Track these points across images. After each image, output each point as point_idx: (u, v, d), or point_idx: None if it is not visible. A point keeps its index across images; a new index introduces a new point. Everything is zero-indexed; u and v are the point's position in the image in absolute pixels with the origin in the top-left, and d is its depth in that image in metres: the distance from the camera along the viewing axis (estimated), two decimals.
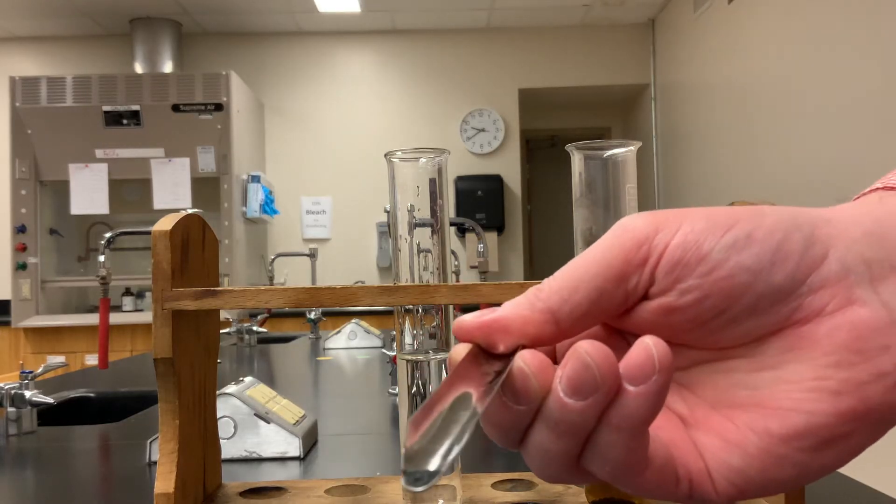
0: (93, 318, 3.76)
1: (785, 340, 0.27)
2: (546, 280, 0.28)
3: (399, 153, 0.50)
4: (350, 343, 2.18)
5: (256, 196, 4.10)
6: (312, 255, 2.99)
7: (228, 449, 0.82)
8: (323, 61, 4.74)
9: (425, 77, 4.75)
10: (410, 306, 0.50)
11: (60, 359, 2.36)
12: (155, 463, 0.78)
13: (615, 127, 5.56)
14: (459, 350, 0.27)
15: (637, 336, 0.26)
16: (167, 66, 4.34)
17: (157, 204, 3.90)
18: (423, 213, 0.50)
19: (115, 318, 3.59)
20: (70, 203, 3.93)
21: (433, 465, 0.21)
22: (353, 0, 4.23)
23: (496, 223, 4.59)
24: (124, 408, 1.40)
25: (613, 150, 0.49)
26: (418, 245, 0.50)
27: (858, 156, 2.47)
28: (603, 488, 0.50)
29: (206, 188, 3.97)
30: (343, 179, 4.66)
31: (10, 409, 1.02)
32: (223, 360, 1.93)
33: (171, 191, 3.92)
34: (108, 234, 1.79)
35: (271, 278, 2.79)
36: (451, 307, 0.51)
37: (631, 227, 0.27)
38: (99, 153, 3.92)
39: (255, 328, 2.41)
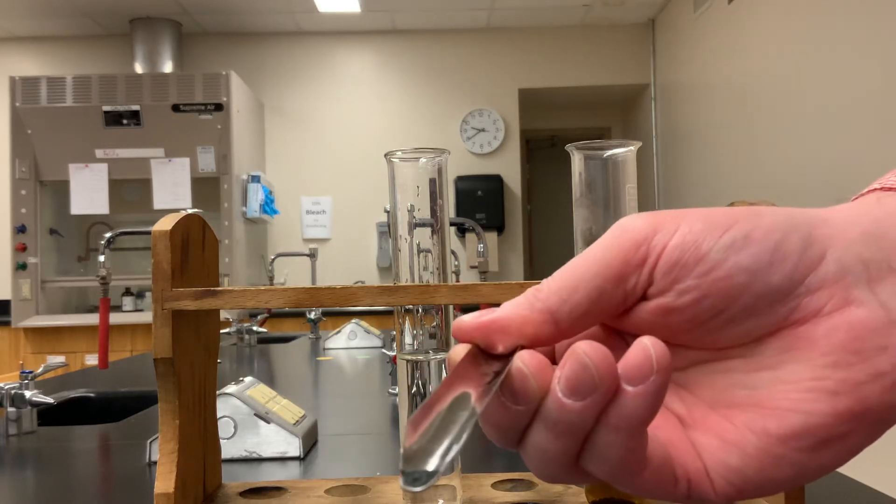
0: (93, 318, 3.76)
1: (783, 341, 0.27)
2: (545, 280, 0.28)
3: (399, 153, 0.50)
4: (350, 343, 2.18)
5: (256, 196, 4.10)
6: (312, 255, 2.99)
7: (228, 449, 0.82)
8: (323, 61, 4.74)
9: (425, 77, 4.75)
10: (410, 306, 0.50)
11: (60, 359, 2.36)
12: (155, 463, 0.78)
13: (615, 127, 5.57)
14: (458, 350, 0.27)
15: (636, 336, 0.26)
16: (167, 66, 4.34)
17: (157, 204, 3.90)
18: (423, 213, 0.50)
19: (115, 318, 3.59)
20: (70, 203, 3.93)
21: (432, 465, 0.21)
22: (353, 0, 4.23)
23: (496, 223, 4.59)
24: (124, 408, 1.40)
25: (613, 150, 0.49)
26: (418, 245, 0.50)
27: (858, 156, 2.47)
28: (603, 488, 0.50)
29: (206, 188, 3.97)
30: (343, 179, 4.66)
31: (10, 409, 1.02)
32: (223, 360, 1.93)
33: (171, 191, 3.92)
34: (108, 234, 1.79)
35: (271, 278, 2.79)
36: (451, 307, 0.51)
37: (629, 228, 0.28)
38: (99, 153, 3.92)
39: (255, 328, 2.41)
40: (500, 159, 4.75)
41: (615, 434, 0.25)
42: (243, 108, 4.15)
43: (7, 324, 3.91)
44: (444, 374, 0.51)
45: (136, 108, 3.91)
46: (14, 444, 0.98)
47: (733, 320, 0.27)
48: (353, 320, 2.28)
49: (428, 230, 0.50)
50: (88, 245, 4.35)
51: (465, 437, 0.22)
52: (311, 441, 0.89)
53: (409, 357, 0.51)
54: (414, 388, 0.51)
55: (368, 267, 4.65)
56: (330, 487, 0.58)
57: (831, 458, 0.26)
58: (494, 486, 0.57)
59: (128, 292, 4.15)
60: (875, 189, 0.30)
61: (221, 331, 1.39)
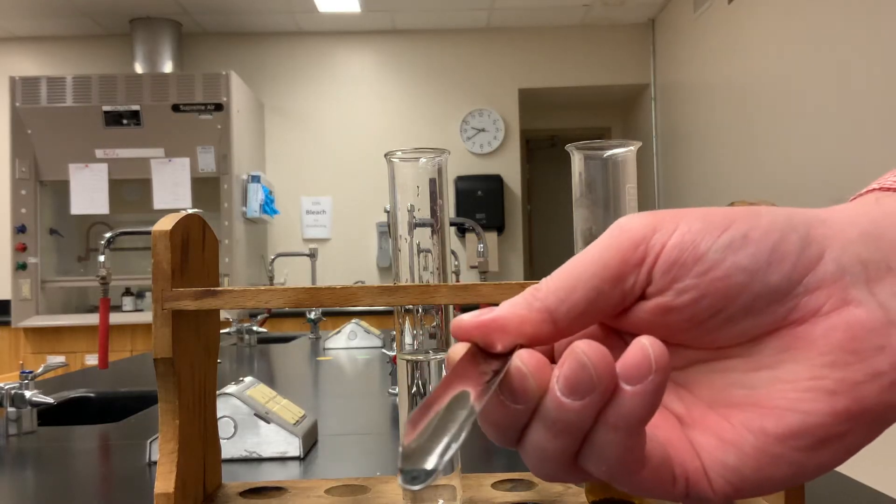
0: (93, 318, 3.76)
1: (781, 340, 0.27)
2: (543, 280, 0.28)
3: (399, 153, 0.50)
4: (350, 343, 2.18)
5: (256, 196, 4.10)
6: (312, 255, 2.99)
7: (228, 449, 0.82)
8: (323, 61, 4.74)
9: (425, 77, 4.75)
10: (410, 306, 0.50)
11: (60, 359, 2.37)
12: (155, 463, 0.78)
13: (615, 127, 5.57)
14: (457, 349, 0.27)
15: (634, 335, 0.26)
16: (167, 66, 4.34)
17: (157, 204, 3.90)
18: (423, 213, 0.50)
19: (115, 318, 3.59)
20: (70, 203, 3.93)
21: (430, 463, 0.21)
22: (353, 0, 4.23)
23: (496, 223, 4.59)
24: (124, 408, 1.40)
25: (613, 150, 0.49)
26: (418, 245, 0.50)
27: (858, 156, 2.47)
28: (603, 488, 0.50)
29: (206, 188, 3.97)
30: (343, 179, 4.66)
31: (10, 409, 1.02)
32: (223, 360, 1.93)
33: (171, 191, 3.92)
34: (108, 234, 1.79)
35: (271, 278, 2.79)
36: (451, 307, 0.51)
37: (628, 228, 0.28)
38: (99, 153, 3.92)
39: (255, 328, 2.41)
40: (500, 159, 4.75)
41: (613, 433, 0.25)
42: (243, 108, 4.15)
43: (7, 324, 3.91)
44: (443, 374, 0.51)
45: (136, 108, 3.91)
46: (14, 444, 0.98)
47: (731, 320, 0.27)
48: (353, 320, 2.28)
49: (428, 230, 0.50)
50: (88, 245, 4.35)
51: (463, 435, 0.22)
52: (311, 441, 0.89)
53: (409, 357, 0.51)
54: (414, 388, 0.51)
55: (368, 267, 4.65)
56: (330, 487, 0.58)
57: (829, 458, 0.26)
58: (494, 486, 0.57)
59: (128, 292, 4.15)
60: (873, 189, 0.30)
61: (221, 331, 1.39)
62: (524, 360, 0.25)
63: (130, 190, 4.18)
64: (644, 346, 0.24)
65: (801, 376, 0.26)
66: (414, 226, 0.50)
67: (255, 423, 0.83)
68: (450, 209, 0.80)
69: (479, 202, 4.57)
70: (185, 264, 0.51)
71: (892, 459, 1.36)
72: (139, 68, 4.30)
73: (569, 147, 0.50)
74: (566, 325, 0.27)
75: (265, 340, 2.61)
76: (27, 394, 1.03)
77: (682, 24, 4.21)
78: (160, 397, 0.50)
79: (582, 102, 5.34)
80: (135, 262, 4.16)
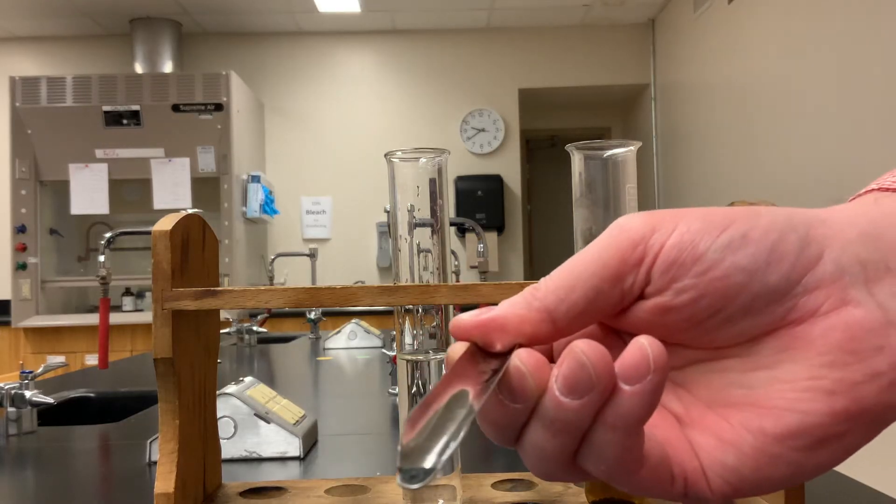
0: (93, 318, 3.76)
1: (780, 340, 0.27)
2: (543, 279, 0.28)
3: (399, 153, 0.50)
4: (350, 343, 2.18)
5: (256, 196, 4.11)
6: (312, 255, 2.99)
7: (228, 449, 0.82)
8: (323, 61, 4.74)
9: (425, 77, 4.75)
10: (410, 306, 0.50)
11: (60, 359, 2.37)
12: (155, 463, 0.78)
13: (615, 127, 5.57)
14: (457, 349, 0.27)
15: (633, 335, 0.26)
16: (167, 66, 4.34)
17: (157, 204, 3.90)
18: (423, 213, 0.50)
19: (115, 318, 3.59)
20: (70, 203, 3.93)
21: (429, 462, 0.21)
22: (353, 0, 4.23)
23: (496, 223, 4.59)
24: (124, 408, 1.40)
25: (613, 150, 0.49)
26: (418, 245, 0.50)
27: (858, 156, 2.47)
28: (603, 488, 0.50)
29: (206, 188, 3.97)
30: (343, 179, 4.66)
31: (10, 409, 1.02)
32: (223, 360, 1.93)
33: (171, 191, 3.92)
34: (108, 234, 1.79)
35: (271, 278, 2.79)
36: (450, 307, 0.51)
37: (627, 227, 0.28)
38: (99, 153, 3.92)
39: (255, 328, 2.41)
40: (500, 159, 4.75)
41: (612, 433, 0.25)
42: (243, 108, 4.15)
43: (7, 324, 3.91)
44: (443, 374, 0.51)
45: (136, 108, 3.91)
46: (14, 444, 0.98)
47: (730, 320, 0.27)
48: (353, 320, 2.28)
49: (428, 230, 0.50)
50: (88, 245, 4.35)
51: (462, 434, 0.22)
52: (311, 441, 0.89)
53: (409, 357, 0.51)
54: (414, 388, 0.51)
55: (368, 267, 4.65)
56: (330, 487, 0.58)
57: (828, 458, 0.26)
58: (494, 486, 0.57)
59: (128, 292, 4.15)
60: (872, 190, 0.30)
61: (221, 331, 1.39)
62: (523, 360, 0.25)
63: (130, 190, 4.18)
64: (642, 346, 0.25)
65: (800, 376, 0.26)
66: (414, 226, 0.50)
67: (255, 423, 0.83)
68: (450, 209, 0.80)
69: (479, 202, 4.57)
70: (185, 264, 0.51)
71: (891, 459, 1.36)
72: (139, 68, 4.30)
73: (569, 147, 0.50)
74: (565, 324, 0.27)
75: (265, 340, 2.61)
76: (27, 394, 1.03)
77: (682, 24, 4.21)
78: (160, 397, 0.50)
79: (582, 102, 5.34)
80: (135, 262, 4.16)
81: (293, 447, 0.84)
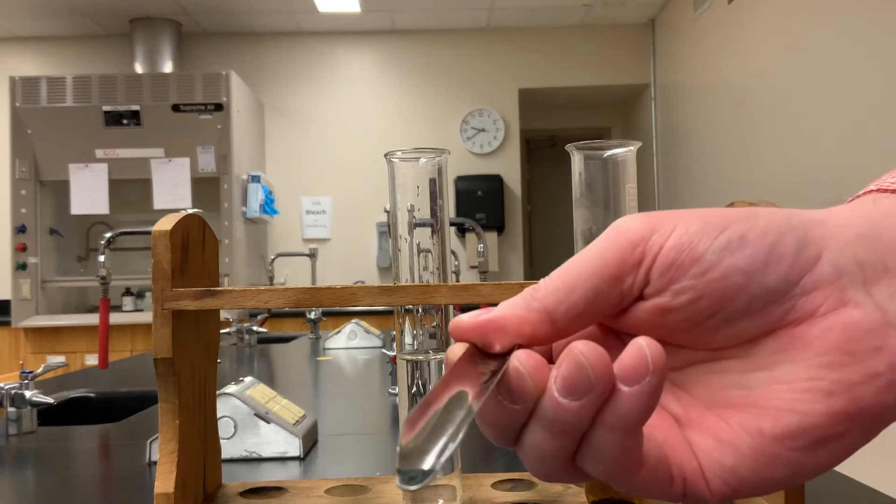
0: (93, 318, 3.76)
1: (778, 341, 0.27)
2: (542, 280, 0.28)
3: (399, 153, 0.50)
4: (350, 343, 2.18)
5: (256, 196, 4.11)
6: (312, 255, 2.99)
7: (228, 449, 0.82)
8: (323, 61, 4.74)
9: (425, 77, 4.75)
10: (410, 306, 0.50)
11: (60, 359, 2.37)
12: (155, 463, 0.78)
13: (615, 127, 5.57)
14: (456, 350, 0.27)
15: (632, 336, 0.26)
16: (167, 66, 4.34)
17: (157, 204, 3.90)
18: (423, 213, 0.50)
19: (115, 318, 3.59)
20: (70, 203, 3.93)
21: (427, 463, 0.21)
22: (353, 0, 4.23)
23: (496, 223, 4.59)
24: (124, 408, 1.40)
25: (613, 150, 0.49)
26: (418, 245, 0.50)
27: (858, 156, 2.48)
28: (602, 488, 0.50)
29: (206, 188, 3.97)
30: (343, 179, 4.66)
31: (10, 409, 1.02)
32: (223, 360, 1.93)
33: (171, 191, 3.92)
34: (108, 234, 1.79)
35: (271, 278, 2.79)
36: (450, 307, 0.51)
37: (626, 229, 0.28)
38: (99, 153, 3.92)
39: (255, 328, 2.41)
40: (500, 159, 4.75)
41: (611, 434, 0.25)
42: (243, 108, 4.15)
43: (7, 324, 3.91)
44: (443, 374, 0.51)
45: (136, 108, 3.91)
46: (14, 444, 0.98)
47: (729, 321, 0.27)
48: (353, 320, 2.28)
49: (428, 230, 0.50)
50: (88, 245, 4.35)
51: (461, 435, 0.22)
52: (311, 441, 0.89)
53: (409, 357, 0.51)
54: (414, 388, 0.51)
55: (368, 267, 4.65)
56: (330, 487, 0.58)
57: (827, 458, 0.26)
58: (494, 486, 0.57)
59: (128, 292, 4.15)
60: (871, 191, 0.30)
61: (221, 331, 1.39)
62: (522, 361, 0.25)
63: (130, 190, 4.18)
64: (641, 348, 0.25)
65: (798, 377, 0.26)
66: (414, 226, 0.50)
67: (255, 423, 0.83)
68: (450, 209, 0.80)
69: (479, 202, 4.57)
70: (185, 264, 0.51)
71: (891, 459, 1.36)
72: (139, 68, 4.30)
73: (569, 147, 0.50)
74: (564, 325, 0.27)
75: (265, 340, 2.61)
76: (27, 394, 1.03)
77: (682, 24, 4.21)
78: (160, 397, 0.50)
79: (582, 102, 5.34)
80: (135, 262, 4.16)
81: (293, 447, 0.84)
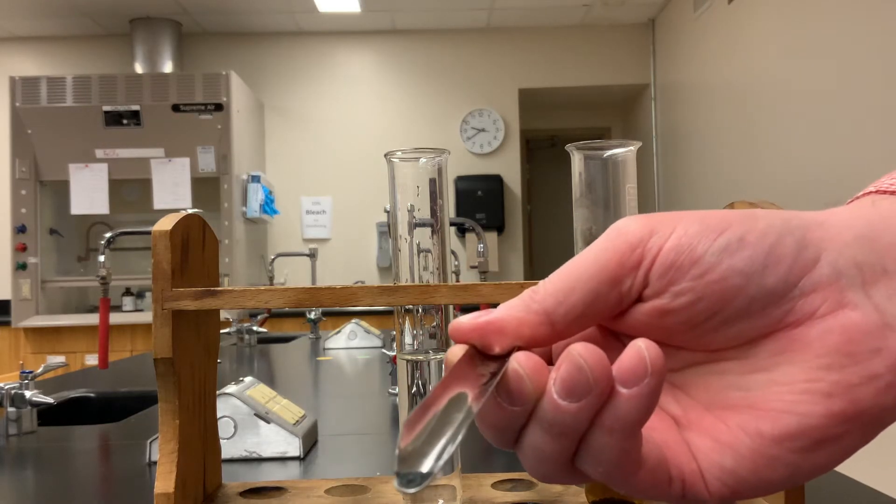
0: (93, 318, 3.76)
1: (777, 343, 0.27)
2: (541, 282, 0.28)
3: (399, 153, 0.50)
4: (350, 343, 2.18)
5: (256, 196, 4.11)
6: (312, 255, 2.99)
7: (228, 449, 0.82)
8: (323, 61, 4.74)
9: (425, 77, 4.75)
10: (410, 306, 0.50)
11: (60, 359, 2.37)
12: (155, 463, 0.78)
13: (615, 127, 5.57)
14: (456, 351, 0.27)
15: (632, 337, 0.26)
16: (167, 66, 4.34)
17: (157, 204, 3.90)
18: (423, 213, 0.50)
19: (115, 318, 3.59)
20: (70, 203, 3.93)
21: (426, 466, 0.21)
22: (353, 0, 4.23)
23: (496, 223, 4.59)
24: (124, 408, 1.40)
25: (613, 150, 0.49)
26: (418, 245, 0.50)
27: (858, 156, 2.48)
28: (603, 488, 0.50)
29: (206, 188, 3.97)
30: (343, 179, 4.66)
31: (10, 409, 1.03)
32: (223, 360, 1.93)
33: (171, 191, 3.92)
34: (108, 234, 1.79)
35: (271, 278, 2.79)
36: (450, 307, 0.51)
37: (625, 231, 0.28)
38: (99, 153, 3.92)
39: (255, 328, 2.41)
40: (500, 159, 4.75)
41: (610, 435, 0.25)
42: (243, 108, 4.15)
43: (7, 324, 3.91)
44: (443, 375, 0.51)
45: (136, 108, 3.91)
46: (14, 444, 0.98)
47: (728, 322, 0.27)
48: (353, 320, 2.28)
49: (428, 230, 0.50)
50: (88, 245, 4.35)
51: (459, 438, 0.22)
52: (311, 441, 0.89)
53: (409, 357, 0.51)
54: (414, 388, 0.51)
55: (368, 267, 4.65)
56: (330, 487, 0.58)
57: (825, 459, 0.26)
58: (494, 486, 0.57)
59: (128, 292, 4.15)
60: (870, 192, 0.30)
61: (221, 331, 1.39)
62: (521, 363, 0.25)
63: (130, 190, 4.18)
64: (640, 350, 0.25)
65: (797, 378, 0.26)
66: (414, 226, 0.50)
67: (255, 423, 0.83)
68: (450, 209, 0.80)
69: (479, 202, 4.57)
70: (185, 264, 0.51)
71: (891, 459, 1.36)
72: (139, 68, 4.30)
73: (569, 147, 0.50)
74: (564, 327, 0.27)
75: (265, 340, 2.61)
76: (27, 394, 1.03)
77: (682, 24, 4.21)
78: (160, 397, 0.50)
79: (582, 102, 5.34)
80: (135, 262, 4.16)
81: (293, 447, 0.84)
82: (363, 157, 4.62)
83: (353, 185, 4.64)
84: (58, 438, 1.01)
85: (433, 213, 0.50)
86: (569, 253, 0.41)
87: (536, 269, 5.94)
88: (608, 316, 0.28)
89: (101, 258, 1.75)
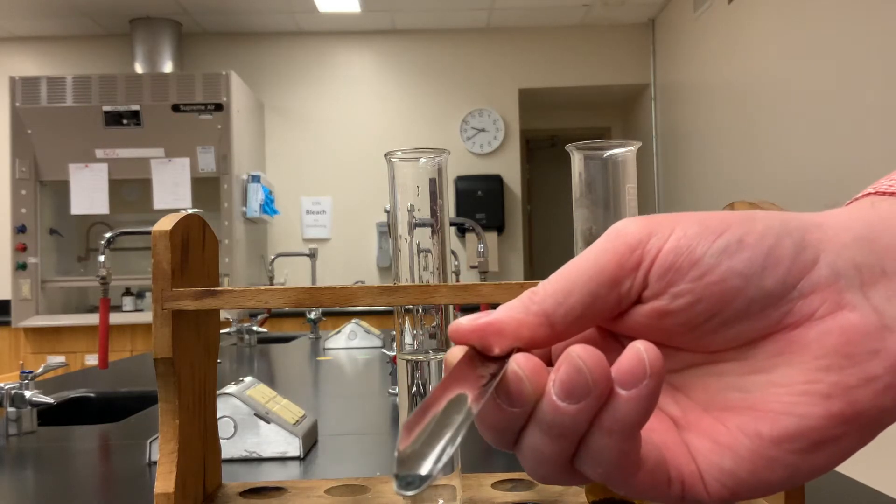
0: (93, 318, 3.76)
1: (776, 344, 0.27)
2: (541, 283, 0.28)
3: (399, 153, 0.50)
4: (350, 343, 2.18)
5: (256, 196, 4.11)
6: (312, 255, 2.99)
7: (228, 449, 0.82)
8: (323, 61, 4.74)
9: (425, 77, 4.75)
10: (410, 306, 0.50)
11: (60, 359, 2.37)
12: (155, 463, 0.78)
13: (615, 127, 5.57)
14: (455, 353, 0.27)
15: (631, 339, 0.26)
16: (167, 66, 4.34)
17: (157, 204, 3.90)
18: (423, 213, 0.50)
19: (115, 318, 3.59)
20: (70, 203, 3.93)
21: (425, 468, 0.21)
22: (353, 0, 4.23)
23: (496, 223, 4.59)
24: (124, 408, 1.40)
25: (613, 150, 0.49)
26: (418, 245, 0.50)
27: (858, 156, 2.48)
28: (603, 488, 0.50)
29: (206, 188, 3.97)
30: (343, 179, 4.66)
31: (10, 409, 1.03)
32: (223, 360, 1.93)
33: (171, 191, 3.92)
34: (108, 234, 1.79)
35: (271, 278, 2.79)
36: (450, 307, 0.51)
37: (624, 232, 0.28)
38: (99, 153, 3.92)
39: (255, 328, 2.41)
40: (500, 159, 4.75)
41: (609, 437, 0.25)
42: (243, 108, 4.15)
43: (7, 324, 3.91)
44: (443, 375, 0.51)
45: (136, 108, 3.91)
46: (14, 444, 0.98)
47: (727, 324, 0.27)
48: (353, 320, 2.28)
49: (428, 230, 0.50)
50: (88, 245, 4.35)
51: (459, 439, 0.22)
52: (311, 441, 0.89)
53: (409, 357, 0.51)
54: (414, 388, 0.51)
55: (368, 267, 4.65)
56: (330, 487, 0.58)
57: (824, 461, 0.26)
58: (494, 486, 0.57)
59: (128, 292, 4.15)
60: (869, 194, 0.30)
61: (221, 331, 1.39)
62: (521, 364, 0.25)
63: (130, 190, 4.18)
64: (639, 351, 0.25)
65: (796, 380, 0.26)
66: (414, 226, 0.50)
67: (255, 423, 0.83)
68: (450, 209, 0.80)
69: (479, 202, 4.57)
70: (185, 264, 0.51)
71: (891, 460, 1.36)
72: (139, 68, 4.30)
73: (569, 147, 0.50)
74: (563, 328, 0.27)
75: (265, 340, 2.61)
76: (27, 394, 1.03)
77: (682, 24, 4.21)
78: (160, 397, 0.50)
79: (582, 102, 5.34)
80: (135, 262, 4.16)
81: (293, 447, 0.84)
82: (363, 157, 4.62)
83: (353, 185, 4.64)
84: (58, 438, 1.01)
85: (433, 213, 0.50)
86: (569, 253, 0.41)
87: (536, 269, 5.94)
88: (607, 317, 0.28)
89: (101, 258, 1.75)
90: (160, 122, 3.92)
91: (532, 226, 6.21)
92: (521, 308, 0.27)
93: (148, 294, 4.11)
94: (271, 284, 2.72)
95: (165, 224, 0.50)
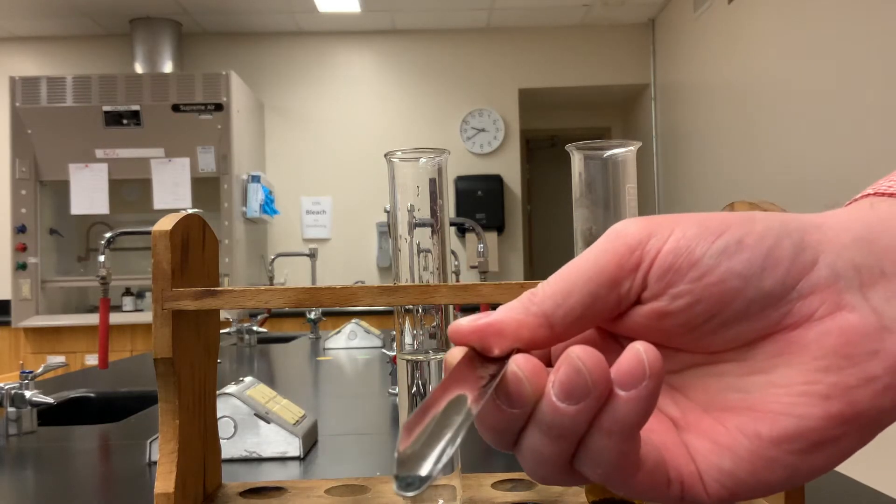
0: (93, 318, 3.76)
1: (775, 345, 0.27)
2: (540, 284, 0.28)
3: (399, 153, 0.50)
4: (350, 343, 2.18)
5: (256, 196, 4.11)
6: (312, 255, 2.99)
7: (228, 449, 0.82)
8: (323, 61, 4.74)
9: (425, 77, 4.75)
10: (410, 306, 0.50)
11: (60, 359, 2.37)
12: (155, 463, 0.78)
13: (615, 127, 5.57)
14: (455, 353, 0.27)
15: (630, 339, 0.26)
16: (167, 66, 4.34)
17: (157, 204, 3.90)
18: (423, 213, 0.50)
19: (115, 318, 3.59)
20: (70, 203, 3.93)
21: (425, 469, 0.22)
22: (353, 0, 4.23)
23: (496, 223, 4.59)
24: (124, 408, 1.40)
25: (613, 150, 0.49)
26: (418, 245, 0.50)
27: (858, 156, 2.48)
28: (602, 489, 0.50)
29: (206, 188, 3.97)
30: (343, 179, 4.66)
31: (10, 409, 1.03)
32: (223, 360, 1.93)
33: (171, 191, 3.92)
34: (108, 234, 1.79)
35: (271, 278, 2.79)
36: (450, 307, 0.51)
37: (624, 233, 0.28)
38: (99, 153, 3.92)
39: (255, 328, 2.41)
40: (500, 159, 4.75)
41: (608, 438, 0.25)
42: (243, 108, 4.15)
43: (7, 324, 3.91)
44: (443, 375, 0.51)
45: (136, 108, 3.91)
46: (14, 444, 0.98)
47: (726, 324, 0.27)
48: (353, 320, 2.28)
49: (428, 230, 0.50)
50: (88, 245, 4.35)
51: (459, 440, 0.22)
52: (311, 441, 0.89)
53: (409, 357, 0.51)
54: (414, 388, 0.51)
55: (368, 267, 4.65)
56: (330, 487, 0.58)
57: (823, 461, 0.26)
58: (494, 486, 0.57)
59: (128, 292, 4.15)
60: (868, 194, 0.30)
61: (221, 331, 1.39)
62: (520, 365, 0.25)
63: (130, 190, 4.18)
64: (638, 352, 0.25)
65: (795, 381, 0.26)
66: (414, 226, 0.50)
67: (255, 423, 0.83)
68: (450, 209, 0.80)
69: (479, 202, 4.57)
70: (185, 264, 0.51)
71: (891, 460, 1.36)
72: (139, 68, 4.30)
73: (569, 147, 0.50)
74: (563, 329, 0.27)
75: (265, 340, 2.61)
76: (27, 394, 1.04)
77: (682, 24, 4.21)
78: (160, 397, 0.50)
79: (582, 102, 5.34)
80: (135, 262, 4.16)
81: (293, 447, 0.84)
82: (363, 157, 4.62)
83: (353, 185, 4.64)
84: (58, 438, 1.01)
85: (433, 213, 0.50)
86: (569, 253, 0.41)
87: (536, 269, 5.94)
88: (607, 318, 0.28)
89: (101, 258, 1.75)
90: (160, 122, 3.92)
91: (532, 226, 6.21)
92: (521, 309, 0.27)
93: (148, 294, 4.11)
94: (271, 284, 2.73)
95: (165, 224, 0.50)
